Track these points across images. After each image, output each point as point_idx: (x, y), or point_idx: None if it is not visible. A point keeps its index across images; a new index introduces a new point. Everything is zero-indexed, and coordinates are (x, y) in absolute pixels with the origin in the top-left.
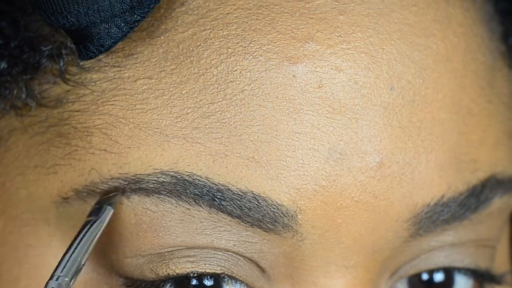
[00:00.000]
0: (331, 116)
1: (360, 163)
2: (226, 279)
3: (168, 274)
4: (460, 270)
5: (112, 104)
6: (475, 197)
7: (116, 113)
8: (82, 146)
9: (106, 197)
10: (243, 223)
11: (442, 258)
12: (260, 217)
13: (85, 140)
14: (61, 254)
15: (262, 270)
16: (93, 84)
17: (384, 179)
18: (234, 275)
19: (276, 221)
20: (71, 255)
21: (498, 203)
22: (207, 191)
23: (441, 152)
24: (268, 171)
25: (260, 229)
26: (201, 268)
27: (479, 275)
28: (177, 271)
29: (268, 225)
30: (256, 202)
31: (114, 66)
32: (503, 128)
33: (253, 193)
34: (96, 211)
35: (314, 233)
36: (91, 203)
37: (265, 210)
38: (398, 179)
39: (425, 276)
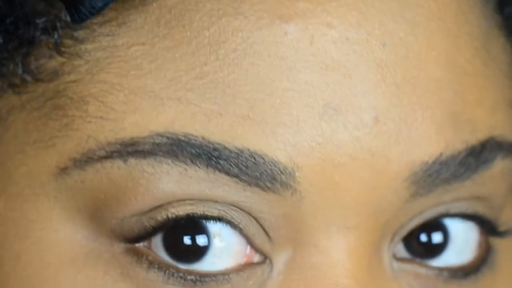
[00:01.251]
0: (324, 73)
1: (355, 119)
2: (221, 234)
3: (167, 216)
4: (457, 215)
5: (107, 72)
6: (475, 157)
7: (111, 80)
8: (79, 116)
9: None
10: (241, 183)
11: (436, 211)
12: (258, 175)
13: (81, 109)
14: (62, 228)
15: (264, 230)
16: (87, 54)
17: (381, 136)
18: (233, 221)
19: (274, 179)
20: None
21: (500, 165)
22: (204, 150)
23: (437, 109)
24: (264, 129)
25: (259, 188)
26: (200, 210)
27: (478, 221)
28: (176, 213)
29: (267, 183)
30: (253, 160)
31: (108, 35)
32: (502, 94)
33: (249, 151)
34: None
35: (313, 192)
36: (89, 171)
37: (262, 167)
38: (395, 136)
39: (423, 238)
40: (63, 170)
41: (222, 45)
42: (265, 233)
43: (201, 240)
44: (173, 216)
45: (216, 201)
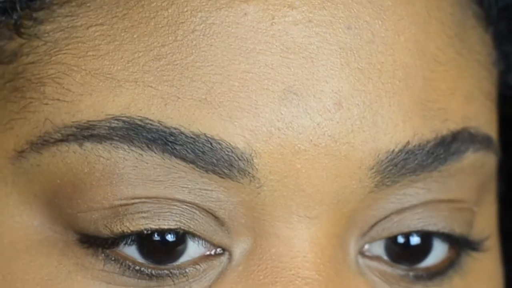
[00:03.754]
0: (285, 55)
1: (317, 104)
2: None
3: (123, 231)
4: (434, 234)
5: (64, 53)
6: (445, 148)
7: (68, 61)
8: (36, 98)
9: None
10: (197, 169)
11: (415, 221)
12: (215, 161)
13: (38, 91)
14: (19, 213)
15: (221, 223)
16: (46, 35)
17: (344, 122)
18: (191, 230)
19: (231, 165)
20: None
21: (471, 158)
22: (160, 135)
23: (405, 96)
24: (221, 113)
25: (216, 175)
26: (156, 224)
27: (453, 240)
28: (132, 228)
29: (224, 170)
30: (210, 145)
31: (67, 16)
32: (478, 85)
33: (206, 136)
34: None
35: (272, 179)
36: (45, 154)
37: (219, 153)
38: (359, 123)
39: (400, 239)
40: (20, 154)
41: (181, 26)
42: (223, 228)
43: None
44: (128, 231)
45: (172, 207)
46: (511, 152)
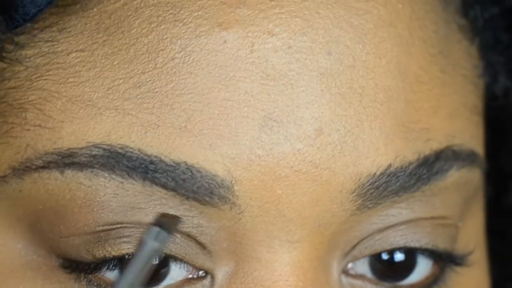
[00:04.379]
0: (265, 82)
1: (298, 131)
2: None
3: (105, 256)
4: (417, 250)
5: (45, 79)
6: (427, 168)
7: (49, 87)
8: (18, 123)
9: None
10: (178, 196)
11: (398, 238)
12: (195, 189)
13: (20, 116)
14: (2, 237)
15: (203, 247)
16: (27, 60)
17: (324, 147)
18: (172, 253)
19: (212, 192)
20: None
21: (455, 176)
22: (140, 163)
23: (386, 120)
24: (201, 141)
25: (197, 202)
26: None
27: (437, 255)
28: (113, 253)
29: (204, 197)
30: (190, 173)
31: (48, 41)
32: (463, 101)
33: (186, 164)
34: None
35: (253, 205)
36: (27, 180)
37: (199, 181)
38: (340, 148)
39: (384, 256)
40: (2, 178)
41: (161, 53)
42: (205, 252)
43: None
44: (110, 256)
45: None
46: (499, 157)
